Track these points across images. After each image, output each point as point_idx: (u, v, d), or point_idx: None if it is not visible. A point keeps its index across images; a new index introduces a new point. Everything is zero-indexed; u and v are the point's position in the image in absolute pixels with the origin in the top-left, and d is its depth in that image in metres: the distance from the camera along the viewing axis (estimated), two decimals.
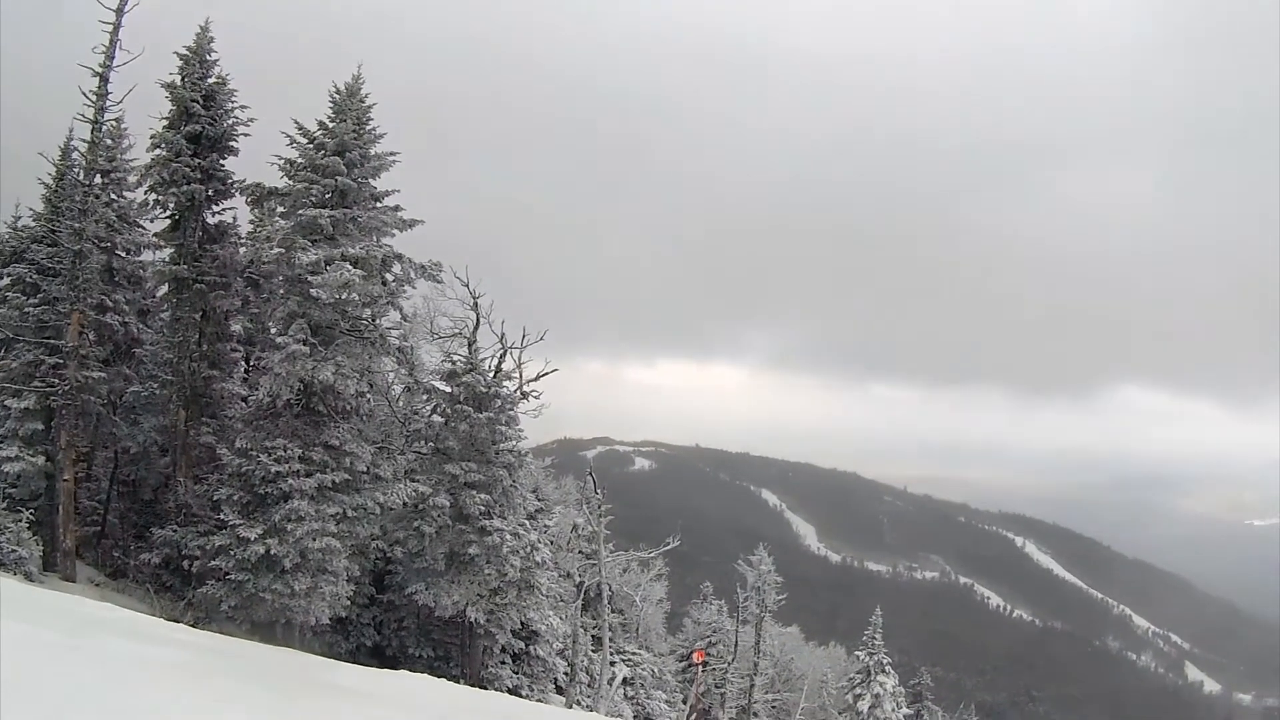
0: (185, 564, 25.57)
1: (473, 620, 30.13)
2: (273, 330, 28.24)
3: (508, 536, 29.39)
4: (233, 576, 24.59)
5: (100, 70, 24.53)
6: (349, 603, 27.31)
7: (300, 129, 26.97)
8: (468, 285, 31.19)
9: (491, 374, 31.50)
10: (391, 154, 27.70)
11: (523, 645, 34.24)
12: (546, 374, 33.37)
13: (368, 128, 27.30)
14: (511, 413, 31.36)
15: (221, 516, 25.09)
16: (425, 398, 31.82)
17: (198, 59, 28.37)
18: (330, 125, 26.99)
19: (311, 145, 26.93)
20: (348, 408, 27.38)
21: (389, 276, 27.66)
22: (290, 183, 26.83)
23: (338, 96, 27.33)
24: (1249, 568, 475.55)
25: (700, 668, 53.83)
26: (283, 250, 25.90)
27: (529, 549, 30.46)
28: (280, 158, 27.02)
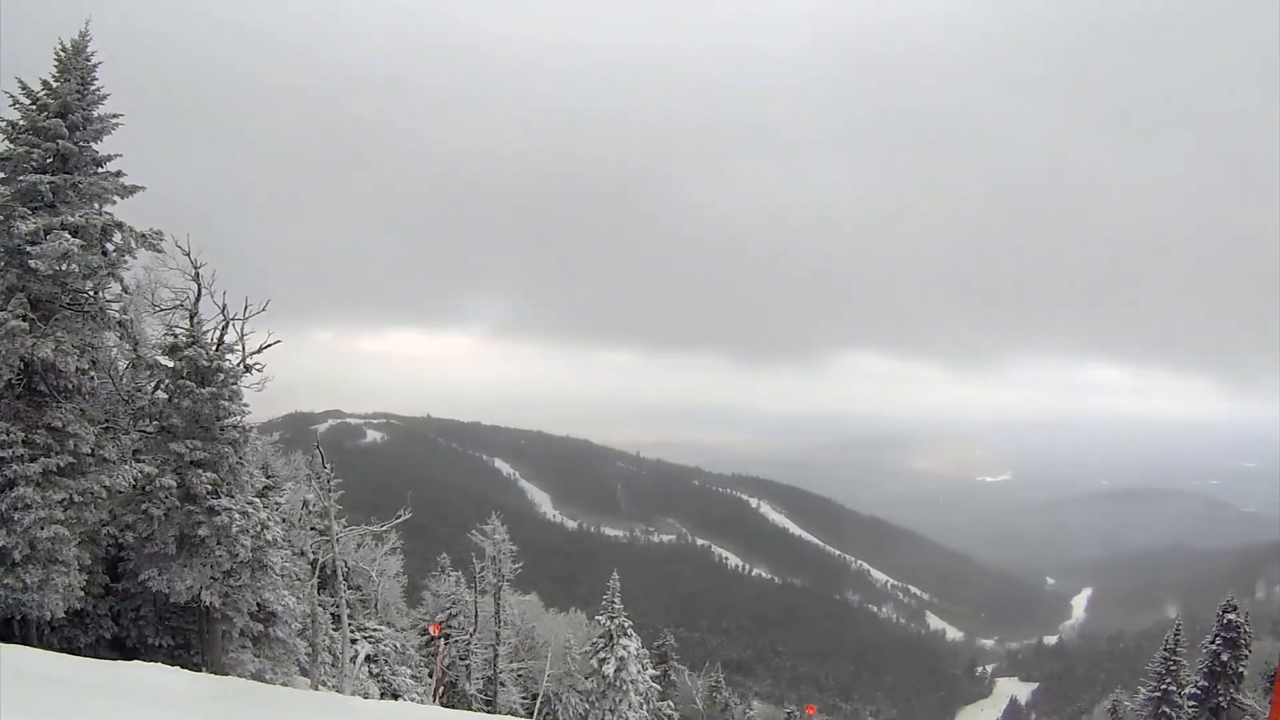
0: None
1: (208, 605, 29.90)
2: None
3: (236, 516, 29.16)
4: None
5: None
6: (83, 594, 26.86)
7: (24, 89, 26.12)
8: (189, 255, 30.58)
9: (214, 347, 31.11)
10: (115, 116, 26.94)
11: (261, 628, 34.08)
12: (269, 345, 32.83)
13: (92, 88, 26.62)
14: (235, 387, 30.81)
15: None
16: (149, 374, 31.25)
17: None
18: (54, 85, 26.25)
19: (34, 106, 26.15)
20: (70, 386, 26.83)
21: (109, 246, 27.00)
22: (11, 146, 25.93)
23: (63, 54, 26.44)
24: (981, 521, 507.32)
25: (442, 640, 54.41)
26: (1, 219, 25.21)
27: (259, 528, 30.27)
28: (3, 120, 26.18)
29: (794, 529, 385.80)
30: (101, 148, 27.17)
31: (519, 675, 62.41)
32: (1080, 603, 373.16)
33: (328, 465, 40.11)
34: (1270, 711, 12.67)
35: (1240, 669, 49.20)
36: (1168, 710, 52.37)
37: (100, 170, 27.12)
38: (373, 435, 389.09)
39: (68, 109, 26.07)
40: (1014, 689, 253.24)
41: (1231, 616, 50.05)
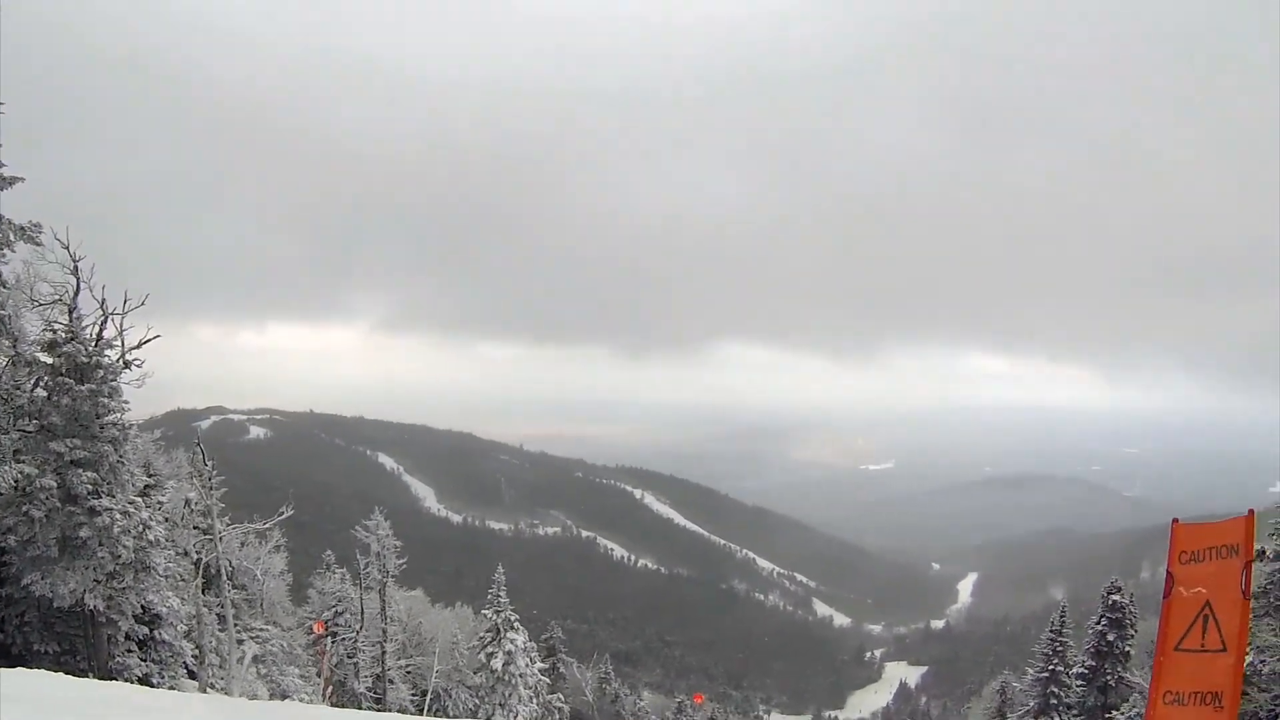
0: None
1: (93, 608, 29.68)
2: None
3: (118, 516, 28.92)
4: None
5: None
6: None
7: None
8: (68, 248, 30.29)
9: (93, 343, 30.79)
10: None
11: (147, 630, 33.75)
12: (149, 340, 32.62)
13: None
14: (114, 383, 30.59)
15: None
16: (28, 371, 30.79)
17: None
18: None
19: None
20: None
21: None
22: None
23: None
24: (865, 509, 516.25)
25: (329, 639, 54.17)
26: None
27: (141, 528, 30.03)
28: None
29: (679, 519, 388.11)
30: None
31: (407, 672, 62.29)
32: (966, 587, 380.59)
33: (209, 462, 39.71)
34: (1150, 688, 13.44)
35: (1127, 648, 50.45)
36: (1055, 690, 53.54)
37: None
38: (256, 431, 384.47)
39: None
40: (903, 673, 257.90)
41: (1116, 597, 51.33)
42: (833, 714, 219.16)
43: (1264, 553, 43.17)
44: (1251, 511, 11.97)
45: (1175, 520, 13.31)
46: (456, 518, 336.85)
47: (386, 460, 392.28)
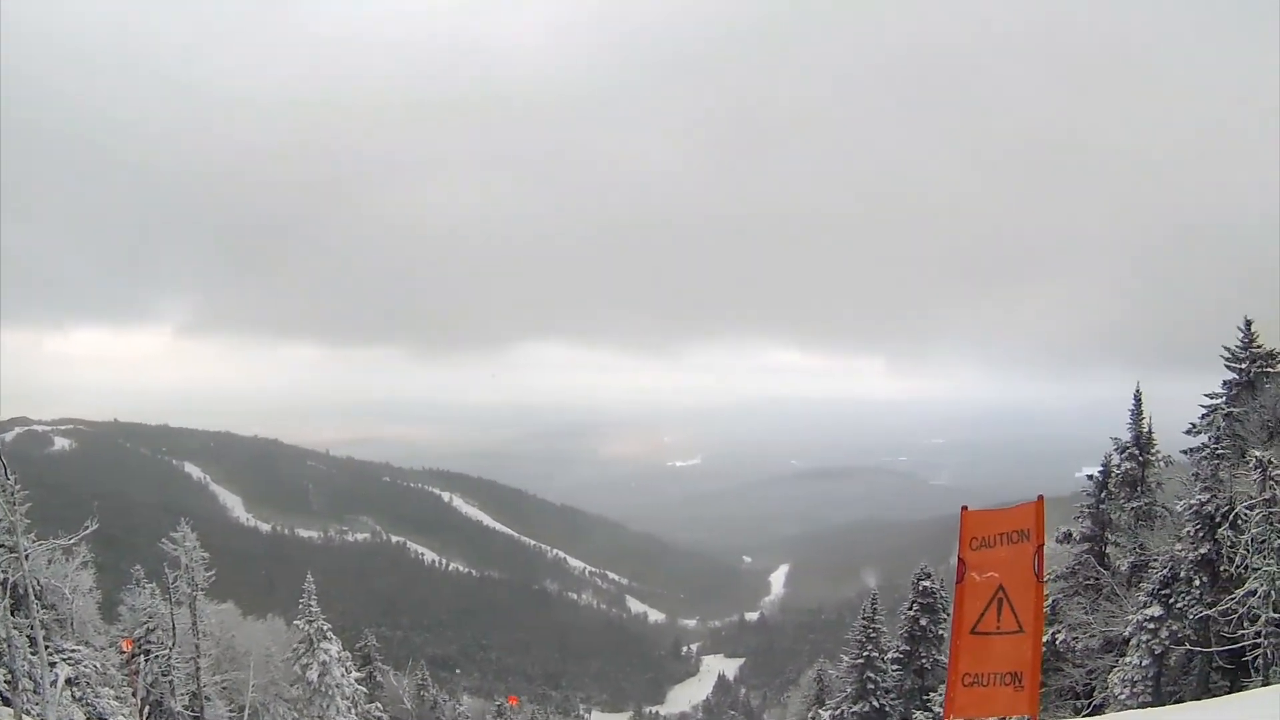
0: None
1: None
2: None
3: None
4: None
5: None
6: None
7: None
8: None
9: None
10: None
11: None
12: None
13: None
14: None
15: None
16: None
17: None
18: None
19: None
20: None
21: None
22: None
23: None
24: (674, 505, 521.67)
25: (141, 657, 52.45)
26: None
27: None
28: None
29: (488, 521, 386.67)
30: None
31: (224, 688, 60.55)
32: (779, 579, 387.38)
33: (11, 477, 37.92)
34: (948, 667, 13.70)
35: (940, 632, 51.64)
36: (871, 675, 54.60)
37: None
38: (61, 443, 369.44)
39: None
40: (721, 665, 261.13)
41: (926, 583, 52.63)
42: (653, 709, 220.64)
43: (1070, 535, 44.64)
44: (1041, 497, 12.27)
45: (965, 507, 13.57)
46: (265, 527, 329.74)
47: (193, 469, 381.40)
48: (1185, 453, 40.37)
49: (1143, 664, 32.86)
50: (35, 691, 38.14)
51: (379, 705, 68.90)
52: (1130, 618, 34.24)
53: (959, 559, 13.28)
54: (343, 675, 57.79)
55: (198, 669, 54.22)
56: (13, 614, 37.26)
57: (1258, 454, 29.79)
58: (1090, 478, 43.59)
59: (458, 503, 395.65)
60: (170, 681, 53.84)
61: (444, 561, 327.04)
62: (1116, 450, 42.16)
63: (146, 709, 48.86)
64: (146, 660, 53.08)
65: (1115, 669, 34.75)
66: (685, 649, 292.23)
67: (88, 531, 41.27)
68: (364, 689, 64.12)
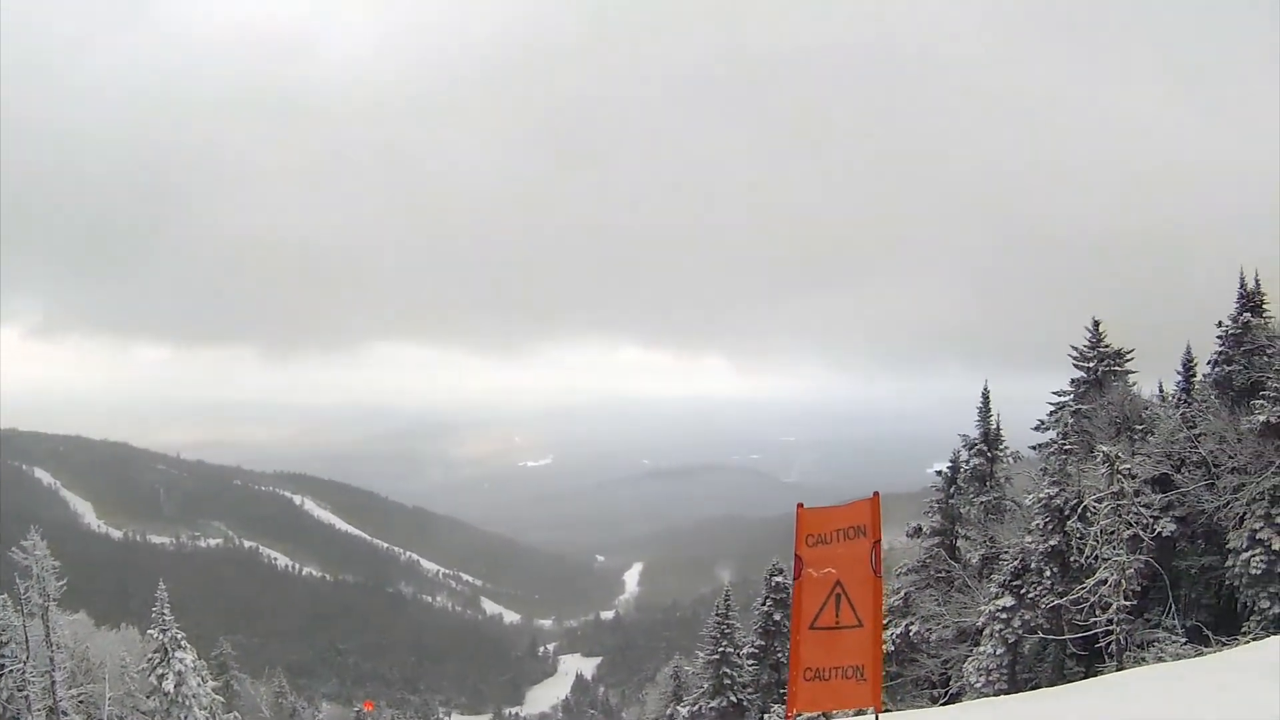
0: None
1: None
2: None
3: None
4: None
5: None
6: None
7: None
8: None
9: None
10: None
11: None
12: None
13: None
14: None
15: None
16: None
17: None
18: None
19: None
20: None
21: None
22: None
23: None
24: (526, 505, 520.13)
25: None
26: None
27: None
28: None
29: (340, 524, 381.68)
30: None
31: (80, 701, 59.14)
32: (633, 577, 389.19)
33: None
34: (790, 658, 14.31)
35: None
36: (728, 670, 55.24)
37: None
38: None
39: None
40: (578, 664, 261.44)
41: (779, 579, 53.48)
42: (513, 710, 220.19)
43: (921, 529, 45.84)
44: (876, 494, 13.05)
45: (800, 505, 14.17)
46: (117, 533, 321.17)
47: (43, 474, 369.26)
48: (1034, 448, 41.91)
49: (997, 653, 34.05)
50: None
51: (237, 715, 68.11)
52: (983, 608, 35.46)
53: (795, 556, 13.88)
54: (199, 685, 56.80)
55: (53, 683, 52.94)
56: None
57: (1105, 449, 31.09)
58: (940, 473, 44.83)
59: (310, 506, 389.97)
60: (26, 697, 52.46)
61: (297, 566, 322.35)
62: (965, 446, 43.56)
63: None
64: (0, 676, 51.66)
65: (970, 658, 35.93)
66: (542, 649, 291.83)
67: None
68: (221, 698, 63.11)
